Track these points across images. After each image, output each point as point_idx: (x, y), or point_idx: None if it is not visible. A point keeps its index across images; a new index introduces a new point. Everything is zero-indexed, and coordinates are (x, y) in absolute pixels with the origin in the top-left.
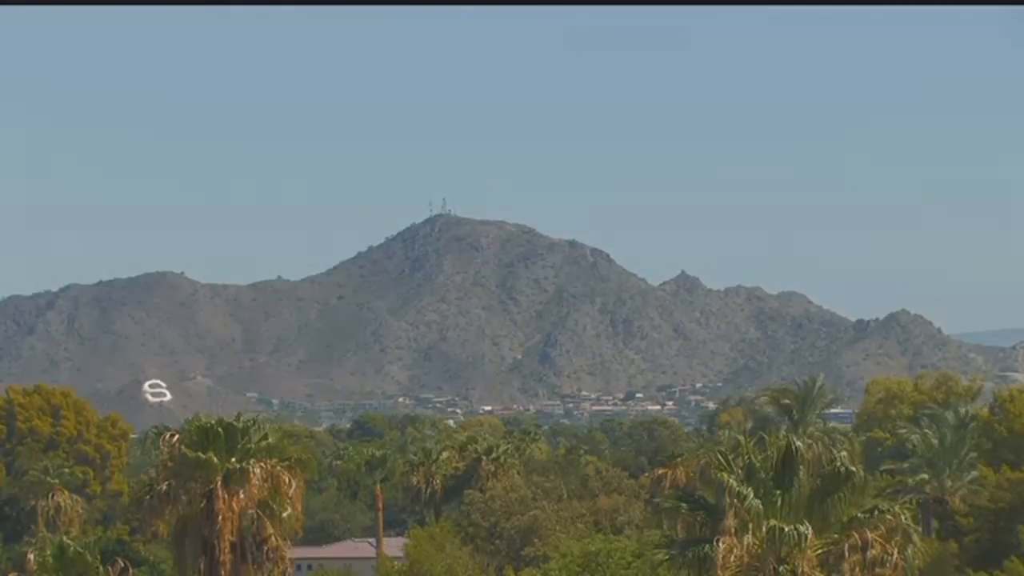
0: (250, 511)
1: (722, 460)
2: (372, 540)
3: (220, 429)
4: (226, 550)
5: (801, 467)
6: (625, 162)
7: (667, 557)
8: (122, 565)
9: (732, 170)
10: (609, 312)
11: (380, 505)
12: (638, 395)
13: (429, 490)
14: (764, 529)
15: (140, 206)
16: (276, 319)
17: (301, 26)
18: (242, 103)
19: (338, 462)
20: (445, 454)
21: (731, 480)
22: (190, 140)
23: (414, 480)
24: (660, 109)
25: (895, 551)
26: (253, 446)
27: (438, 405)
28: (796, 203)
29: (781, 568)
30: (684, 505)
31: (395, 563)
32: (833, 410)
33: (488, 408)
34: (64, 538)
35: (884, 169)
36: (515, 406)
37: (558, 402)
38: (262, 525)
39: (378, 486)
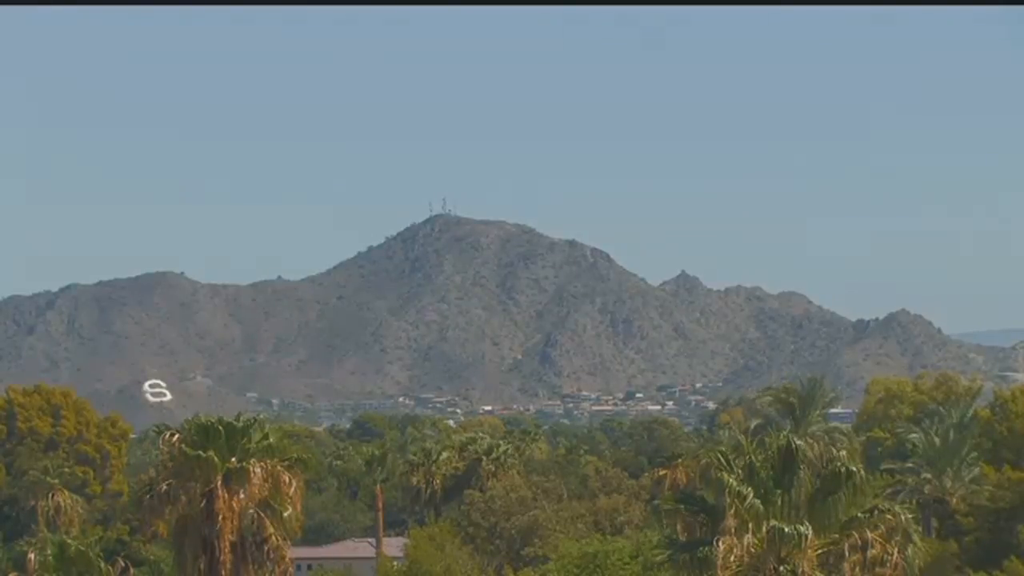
0: (250, 511)
1: (722, 460)
2: (372, 540)
3: (220, 428)
4: (226, 550)
5: (801, 467)
6: (625, 162)
7: (667, 558)
8: (122, 565)
9: (732, 170)
10: (609, 312)
11: (380, 505)
12: (638, 395)
13: (429, 490)
14: (764, 529)
15: (140, 206)
16: (276, 319)
17: (301, 26)
18: (242, 103)
19: (338, 462)
20: (445, 454)
21: (731, 480)
22: (190, 140)
23: (414, 480)
24: (661, 108)
25: (895, 551)
26: (253, 446)
27: (438, 405)
28: (796, 203)
29: (781, 568)
30: (684, 506)
31: (395, 563)
32: (833, 410)
33: (488, 408)
34: (64, 538)
35: (884, 169)
36: (515, 406)
37: (558, 402)
38: (262, 525)
39: (378, 486)
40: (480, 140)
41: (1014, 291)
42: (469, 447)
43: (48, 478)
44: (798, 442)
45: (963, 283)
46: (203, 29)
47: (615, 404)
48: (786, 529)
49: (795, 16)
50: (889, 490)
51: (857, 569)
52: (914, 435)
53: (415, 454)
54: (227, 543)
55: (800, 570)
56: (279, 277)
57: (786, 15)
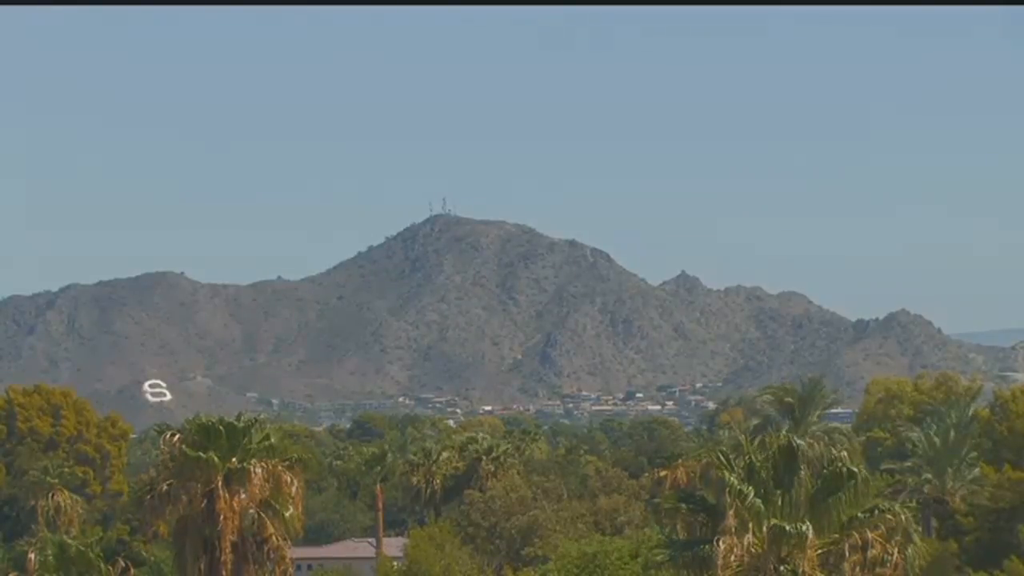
0: (251, 511)
1: (723, 459)
2: (372, 540)
3: (221, 428)
4: (227, 550)
5: (802, 466)
6: (625, 162)
7: (667, 557)
8: (123, 565)
9: (732, 170)
10: (609, 312)
11: (380, 505)
12: (638, 395)
13: (429, 490)
14: (765, 528)
15: (140, 206)
16: (276, 319)
17: (301, 26)
18: (242, 103)
19: (338, 462)
20: (445, 454)
21: (732, 479)
22: (190, 140)
23: (414, 480)
24: (661, 108)
25: (895, 551)
26: (254, 446)
27: (438, 405)
28: (796, 203)
29: (782, 568)
30: (684, 505)
31: (395, 563)
32: (833, 410)
33: (488, 408)
34: (64, 538)
35: (884, 169)
36: (515, 406)
37: (558, 402)
38: (263, 525)
39: (378, 486)
40: (480, 140)
41: (1014, 291)
42: (469, 447)
43: (48, 478)
44: (799, 441)
45: (963, 283)
46: (204, 29)
47: (615, 404)
48: (787, 528)
49: (795, 16)
50: (889, 490)
51: (857, 569)
52: (914, 435)
53: (415, 454)
54: (228, 543)
55: (800, 570)
56: (279, 277)
57: (786, 15)
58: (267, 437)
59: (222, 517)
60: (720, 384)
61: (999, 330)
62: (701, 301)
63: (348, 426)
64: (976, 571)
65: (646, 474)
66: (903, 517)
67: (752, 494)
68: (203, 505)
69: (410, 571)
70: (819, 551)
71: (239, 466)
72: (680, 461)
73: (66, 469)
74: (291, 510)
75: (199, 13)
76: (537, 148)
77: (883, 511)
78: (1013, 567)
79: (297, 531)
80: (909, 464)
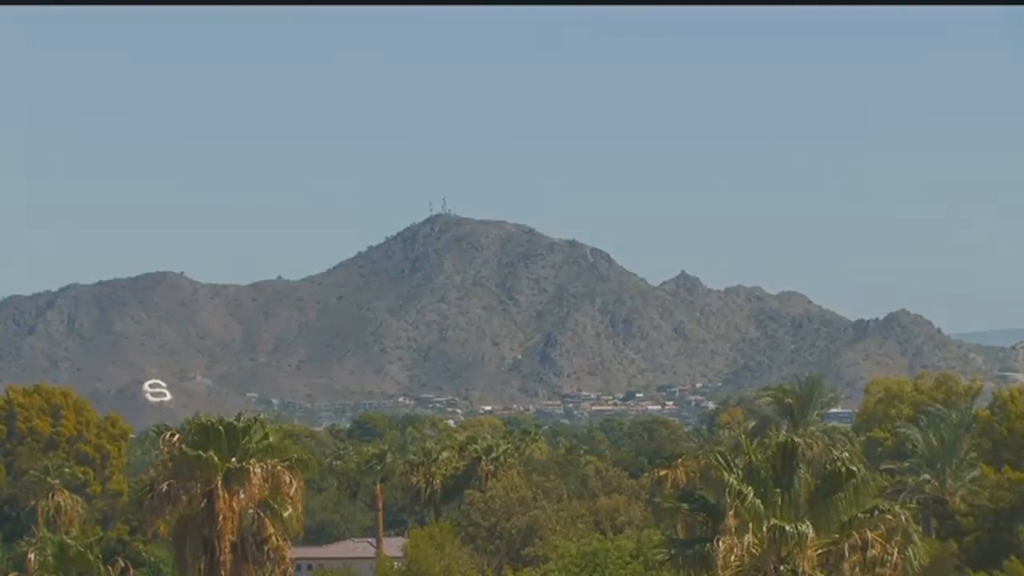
0: (251, 511)
1: (722, 460)
2: (372, 540)
3: (221, 428)
4: (227, 550)
5: (801, 466)
6: (625, 162)
7: (668, 557)
8: (122, 565)
9: (732, 170)
10: (609, 312)
11: (380, 505)
12: (638, 395)
13: (429, 490)
14: (765, 528)
15: (140, 206)
16: (276, 319)
17: (301, 26)
18: (242, 103)
19: (338, 462)
20: (445, 454)
21: (732, 479)
22: (190, 140)
23: (414, 480)
24: (660, 109)
25: (895, 551)
26: (254, 446)
27: (438, 405)
28: (797, 203)
29: (782, 568)
30: (684, 505)
31: (395, 563)
32: (833, 410)
33: (488, 408)
34: (64, 538)
35: (884, 169)
36: (515, 406)
37: (558, 402)
38: (263, 525)
39: (378, 486)
40: (480, 140)
41: (1014, 291)
42: (469, 447)
43: (48, 478)
44: (798, 440)
45: (963, 283)
46: (203, 29)
47: (615, 404)
48: (787, 528)
49: (795, 16)
50: (889, 490)
51: (857, 569)
52: (914, 435)
53: (415, 454)
54: (227, 543)
55: (800, 570)
56: (279, 277)
57: (786, 15)
58: (266, 437)
59: (222, 517)
60: (720, 384)
61: (999, 330)
62: (701, 301)
63: (348, 426)
64: (976, 571)
65: (646, 474)
66: (903, 517)
67: (752, 494)
68: (203, 505)
69: (410, 571)
70: (819, 551)
71: (239, 466)
72: (680, 461)
73: (66, 469)
74: (290, 510)
75: (199, 13)
76: (537, 148)
77: (883, 511)
78: (1013, 567)
79: (297, 531)
80: (909, 464)
